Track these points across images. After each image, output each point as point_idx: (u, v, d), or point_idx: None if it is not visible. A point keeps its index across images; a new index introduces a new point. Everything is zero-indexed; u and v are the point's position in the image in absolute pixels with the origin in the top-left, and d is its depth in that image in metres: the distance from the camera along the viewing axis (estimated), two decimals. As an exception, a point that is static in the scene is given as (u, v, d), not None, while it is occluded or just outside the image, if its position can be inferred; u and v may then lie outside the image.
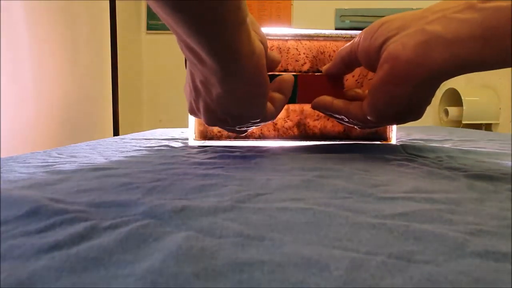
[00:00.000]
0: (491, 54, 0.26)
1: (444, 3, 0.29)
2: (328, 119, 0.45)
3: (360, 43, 0.34)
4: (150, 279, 0.11)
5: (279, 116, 0.44)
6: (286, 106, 0.44)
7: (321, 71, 0.43)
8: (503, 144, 0.49)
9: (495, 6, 0.26)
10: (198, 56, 0.26)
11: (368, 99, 0.34)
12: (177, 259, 0.12)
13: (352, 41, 0.36)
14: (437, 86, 0.31)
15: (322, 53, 0.42)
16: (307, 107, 0.44)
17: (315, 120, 0.44)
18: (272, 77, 0.42)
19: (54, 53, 1.25)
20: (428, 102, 0.32)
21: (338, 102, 0.38)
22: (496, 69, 0.28)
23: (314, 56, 0.43)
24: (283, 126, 0.44)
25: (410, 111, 0.33)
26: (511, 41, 0.25)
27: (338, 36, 0.43)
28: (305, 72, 0.43)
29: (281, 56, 0.43)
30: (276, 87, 0.36)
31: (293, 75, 0.43)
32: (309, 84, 0.42)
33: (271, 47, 0.43)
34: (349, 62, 0.37)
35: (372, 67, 0.34)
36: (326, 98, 0.39)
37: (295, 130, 0.44)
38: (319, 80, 0.42)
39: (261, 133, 0.44)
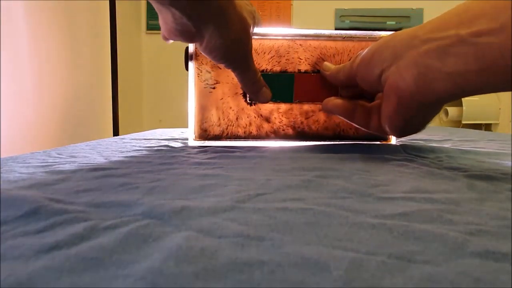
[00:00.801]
0: (488, 85, 0.27)
1: (429, 29, 0.30)
2: (326, 117, 0.45)
3: (358, 72, 0.36)
4: (150, 279, 0.11)
5: (276, 115, 0.44)
6: (283, 106, 0.44)
7: (318, 71, 0.43)
8: (503, 144, 0.49)
9: (487, 42, 0.25)
10: None
11: (385, 124, 0.36)
12: (177, 259, 0.12)
13: (348, 67, 0.38)
14: (441, 106, 0.34)
15: (323, 60, 0.43)
16: (304, 106, 0.44)
17: (312, 119, 0.44)
18: (271, 77, 0.42)
19: (54, 53, 1.25)
20: (434, 115, 0.35)
21: (345, 105, 0.40)
22: (496, 92, 0.29)
23: (315, 62, 0.43)
24: (280, 126, 0.44)
25: (422, 125, 0.36)
26: (509, 75, 0.25)
27: (338, 36, 0.43)
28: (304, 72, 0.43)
29: (280, 59, 0.43)
30: None
31: (290, 74, 0.43)
32: (305, 83, 0.42)
33: (270, 48, 0.43)
34: (346, 87, 0.41)
35: (376, 92, 0.37)
36: (335, 101, 0.41)
37: (291, 130, 0.44)
38: (316, 80, 0.42)
39: (258, 133, 0.44)
